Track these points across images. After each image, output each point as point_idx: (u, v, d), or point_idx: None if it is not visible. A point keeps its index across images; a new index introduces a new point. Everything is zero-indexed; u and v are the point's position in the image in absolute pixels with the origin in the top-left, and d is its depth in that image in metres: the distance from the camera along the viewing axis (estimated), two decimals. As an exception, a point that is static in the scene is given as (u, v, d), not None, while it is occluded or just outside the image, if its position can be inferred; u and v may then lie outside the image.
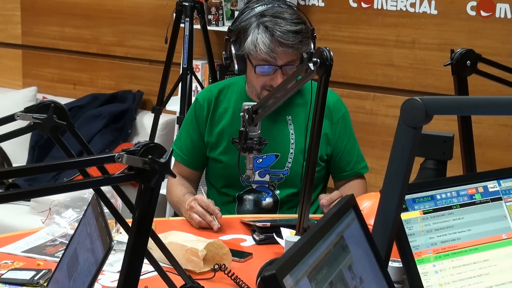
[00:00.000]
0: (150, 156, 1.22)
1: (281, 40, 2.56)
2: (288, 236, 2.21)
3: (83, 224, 1.63)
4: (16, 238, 2.40)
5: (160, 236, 1.74)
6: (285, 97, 2.32)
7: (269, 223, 2.41)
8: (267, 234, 2.40)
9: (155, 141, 3.78)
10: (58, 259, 1.71)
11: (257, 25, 2.59)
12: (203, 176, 2.93)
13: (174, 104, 4.17)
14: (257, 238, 2.42)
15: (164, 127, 4.40)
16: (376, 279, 1.43)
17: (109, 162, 1.26)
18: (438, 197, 1.75)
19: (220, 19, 4.20)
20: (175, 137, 4.22)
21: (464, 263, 1.72)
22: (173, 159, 2.87)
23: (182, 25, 4.02)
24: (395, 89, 4.04)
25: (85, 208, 1.66)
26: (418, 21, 3.93)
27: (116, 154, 1.24)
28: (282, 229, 2.31)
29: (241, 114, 2.35)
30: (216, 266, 2.08)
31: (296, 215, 2.29)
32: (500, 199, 1.82)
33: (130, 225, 1.30)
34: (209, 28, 4.11)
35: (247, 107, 2.33)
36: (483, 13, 3.77)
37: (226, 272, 2.07)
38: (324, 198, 2.56)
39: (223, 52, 2.69)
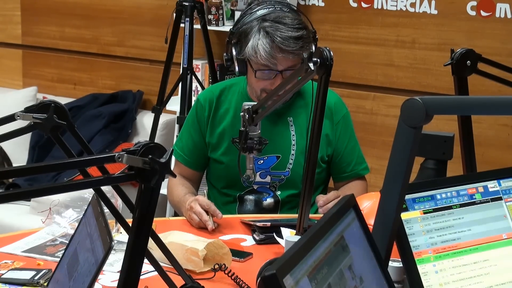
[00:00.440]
0: (150, 156, 1.22)
1: (282, 46, 2.56)
2: (288, 236, 2.21)
3: (83, 224, 1.63)
4: (16, 238, 2.40)
5: (160, 236, 1.74)
6: (285, 97, 2.32)
7: (269, 223, 2.41)
8: (267, 234, 2.40)
9: (155, 141, 3.79)
10: (58, 259, 1.71)
11: (258, 30, 2.58)
12: (204, 177, 2.93)
13: (174, 104, 4.17)
14: (257, 238, 2.42)
15: (164, 127, 4.40)
16: (376, 279, 1.43)
17: (109, 162, 1.26)
18: (438, 197, 1.75)
19: (220, 19, 4.20)
20: (175, 137, 4.23)
21: (464, 263, 1.72)
22: (173, 159, 2.89)
23: (182, 25, 4.02)
24: (395, 89, 4.04)
25: (85, 208, 1.66)
26: (418, 21, 3.93)
27: (116, 154, 1.24)
28: (282, 229, 2.31)
29: (241, 114, 2.35)
30: (216, 266, 2.08)
31: (296, 215, 2.29)
32: (500, 199, 1.82)
33: (130, 225, 1.30)
34: (209, 28, 4.11)
35: (247, 107, 2.33)
36: (483, 13, 3.77)
37: (226, 272, 2.07)
38: (321, 200, 2.55)
39: (224, 54, 2.69)
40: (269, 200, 2.77)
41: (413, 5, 3.93)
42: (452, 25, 3.85)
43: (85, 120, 4.57)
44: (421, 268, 1.67)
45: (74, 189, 1.24)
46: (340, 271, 1.27)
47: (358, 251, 1.39)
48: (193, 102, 3.00)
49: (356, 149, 2.81)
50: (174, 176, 1.25)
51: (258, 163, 2.71)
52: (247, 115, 2.33)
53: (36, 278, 2.06)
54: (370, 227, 1.47)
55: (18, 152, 4.60)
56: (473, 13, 3.79)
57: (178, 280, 1.69)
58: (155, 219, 1.31)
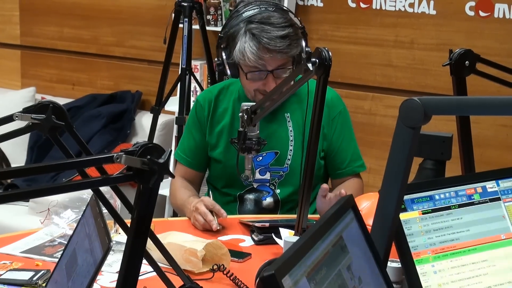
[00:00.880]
0: (149, 157, 1.22)
1: (269, 46, 2.56)
2: (287, 236, 2.21)
3: (81, 224, 1.63)
4: (14, 238, 2.40)
5: (159, 236, 1.74)
6: (283, 97, 2.32)
7: (268, 224, 2.42)
8: (266, 235, 2.40)
9: (154, 141, 3.78)
10: (57, 260, 1.71)
11: (244, 32, 2.59)
12: (205, 180, 2.93)
13: (173, 104, 4.17)
14: (256, 238, 2.42)
15: (163, 127, 4.40)
16: (375, 279, 1.43)
17: (108, 162, 1.26)
18: (437, 197, 1.75)
19: (219, 19, 4.20)
20: (174, 137, 4.24)
21: (463, 263, 1.72)
22: (173, 161, 2.89)
23: (181, 25, 4.02)
24: (393, 89, 4.04)
25: (84, 208, 1.66)
26: (417, 21, 3.93)
27: (115, 154, 1.24)
28: (281, 229, 2.31)
29: (240, 114, 2.35)
30: (215, 267, 2.08)
31: (295, 216, 2.29)
32: (498, 199, 1.82)
33: (129, 225, 1.30)
34: (208, 28, 4.11)
35: (245, 107, 2.34)
36: (481, 13, 3.77)
37: (225, 272, 2.07)
38: (327, 192, 2.51)
39: (215, 59, 2.70)
40: (268, 200, 2.77)
41: (411, 5, 3.93)
42: (451, 26, 3.85)
43: (84, 120, 4.57)
44: (419, 269, 1.67)
45: (72, 190, 1.24)
46: (338, 271, 1.27)
47: (357, 252, 1.39)
48: (191, 103, 3.02)
49: (352, 145, 2.81)
50: (173, 176, 1.25)
51: (257, 160, 2.72)
52: (245, 116, 2.33)
53: (34, 278, 2.06)
54: (369, 228, 1.47)
55: (17, 152, 4.60)
56: (471, 13, 3.79)
57: (177, 281, 1.69)
58: (153, 219, 1.31)
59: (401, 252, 1.67)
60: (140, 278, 1.31)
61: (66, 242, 1.74)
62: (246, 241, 2.43)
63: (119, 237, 2.32)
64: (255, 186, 2.78)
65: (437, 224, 1.72)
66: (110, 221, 2.11)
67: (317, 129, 2.20)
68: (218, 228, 2.47)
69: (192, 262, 2.12)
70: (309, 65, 2.14)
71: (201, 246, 2.12)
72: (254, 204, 2.78)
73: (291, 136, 2.75)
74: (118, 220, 1.65)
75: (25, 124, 1.61)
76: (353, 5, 4.08)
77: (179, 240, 2.21)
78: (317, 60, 2.14)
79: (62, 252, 1.71)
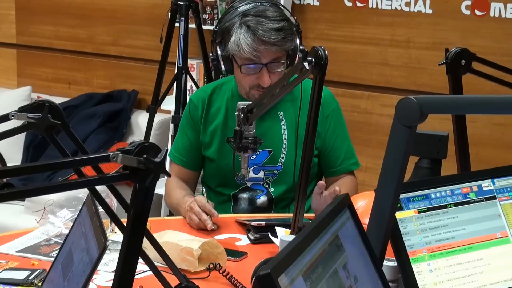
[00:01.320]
0: (145, 156, 1.22)
1: (263, 38, 2.56)
2: (283, 235, 2.21)
3: (78, 223, 1.63)
4: (10, 237, 2.39)
5: (155, 235, 1.74)
6: (279, 96, 2.32)
7: (264, 222, 2.41)
8: (262, 233, 2.40)
9: (150, 140, 3.78)
10: (53, 259, 1.71)
11: (239, 25, 2.59)
12: (199, 180, 2.93)
13: (169, 103, 4.17)
14: (252, 237, 2.42)
15: (159, 126, 4.40)
16: (371, 278, 1.43)
17: (104, 161, 1.26)
18: (433, 196, 1.75)
19: (215, 18, 4.20)
20: (170, 136, 4.24)
21: (458, 262, 1.73)
22: (169, 162, 2.89)
23: (177, 24, 4.02)
24: (390, 88, 4.04)
25: (80, 207, 1.66)
26: (413, 20, 3.93)
27: (111, 153, 1.24)
28: (277, 228, 2.31)
29: (236, 113, 2.35)
30: (211, 266, 2.08)
31: (291, 214, 2.29)
32: (494, 198, 1.82)
33: (125, 224, 1.30)
34: (204, 27, 4.11)
35: (242, 106, 2.34)
36: (477, 12, 3.77)
37: (221, 271, 2.07)
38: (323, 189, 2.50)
39: (210, 54, 2.70)
40: (263, 199, 2.77)
41: (408, 4, 3.93)
42: (447, 25, 3.85)
43: (80, 119, 4.57)
44: (415, 267, 1.68)
45: (68, 189, 1.24)
46: (334, 270, 1.28)
47: (353, 250, 1.39)
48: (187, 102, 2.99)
49: (345, 143, 2.81)
50: (169, 175, 1.25)
51: (251, 158, 2.72)
52: (242, 115, 2.33)
53: (30, 278, 2.06)
54: (365, 226, 1.47)
55: (13, 152, 4.59)
56: (467, 12, 3.79)
57: (173, 280, 1.69)
58: (150, 218, 1.31)
59: (397, 251, 1.68)
60: (136, 277, 1.31)
61: (62, 241, 1.74)
62: (242, 240, 2.43)
63: (115, 236, 2.32)
64: (249, 185, 2.78)
65: (433, 223, 1.73)
66: (106, 220, 2.11)
67: (313, 128, 2.20)
68: (213, 227, 2.47)
69: (188, 261, 2.12)
70: (305, 64, 2.14)
71: (197, 245, 2.12)
72: (249, 203, 2.78)
73: (285, 134, 2.75)
74: (114, 219, 1.65)
75: (21, 123, 1.61)
76: (349, 4, 4.08)
77: (175, 239, 2.21)
78: (313, 59, 2.14)
79: (58, 251, 1.71)
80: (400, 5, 3.95)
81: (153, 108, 4.10)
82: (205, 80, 4.16)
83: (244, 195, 2.79)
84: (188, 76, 4.03)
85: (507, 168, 1.89)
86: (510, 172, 1.88)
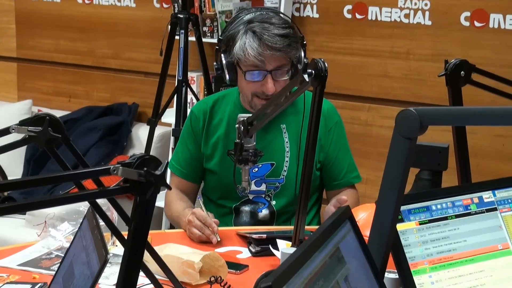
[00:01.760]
0: (145, 169, 1.22)
1: (269, 43, 2.57)
2: (284, 247, 2.21)
3: (78, 237, 1.63)
4: (11, 251, 2.39)
5: (156, 248, 1.74)
6: (280, 108, 2.32)
7: (265, 235, 2.41)
8: (263, 246, 2.39)
9: (151, 153, 3.78)
10: (54, 272, 1.71)
11: (245, 31, 2.60)
12: (200, 192, 2.93)
13: (169, 116, 4.17)
14: (253, 250, 2.42)
15: (159, 139, 4.40)
16: (372, 290, 1.43)
17: (105, 174, 1.26)
18: (434, 207, 1.75)
19: (215, 31, 4.21)
20: (170, 149, 4.23)
21: (460, 274, 1.72)
22: (169, 173, 2.89)
23: (177, 37, 4.02)
24: (390, 100, 4.04)
25: (81, 221, 1.66)
26: (413, 32, 3.94)
27: (112, 166, 1.24)
28: (278, 240, 2.31)
29: (237, 126, 2.35)
30: (212, 279, 2.08)
31: (291, 227, 2.29)
32: (495, 209, 1.82)
33: (126, 237, 1.29)
34: (204, 40, 4.11)
35: (242, 118, 2.34)
36: (476, 24, 3.78)
37: (222, 284, 2.07)
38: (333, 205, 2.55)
39: (214, 63, 2.70)
40: (264, 212, 2.77)
41: (407, 16, 3.94)
42: (446, 36, 3.86)
43: (81, 133, 4.57)
44: (417, 279, 1.67)
45: (69, 202, 1.24)
46: (336, 282, 1.27)
47: (354, 263, 1.39)
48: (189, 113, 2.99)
49: (348, 156, 2.82)
50: (170, 188, 1.25)
51: (253, 171, 2.72)
52: (242, 127, 2.33)
53: (31, 291, 2.06)
54: (366, 239, 1.47)
55: (13, 165, 4.59)
56: (467, 23, 3.80)
57: (174, 293, 1.68)
58: (150, 231, 1.31)
59: (399, 263, 1.67)
60: (137, 290, 1.31)
61: (63, 255, 1.74)
62: (243, 253, 2.43)
63: (116, 249, 2.32)
64: (250, 198, 2.78)
65: (434, 235, 1.73)
66: (107, 234, 2.12)
67: (314, 140, 2.20)
68: (219, 240, 2.47)
69: (190, 274, 2.12)
70: (305, 76, 2.14)
71: (198, 258, 2.12)
72: (250, 216, 2.78)
73: (287, 147, 2.75)
74: (115, 232, 1.65)
75: (22, 136, 1.62)
76: (349, 16, 4.09)
77: (176, 252, 2.20)
78: (313, 71, 2.14)
79: (59, 264, 1.71)
80: (399, 17, 3.96)
81: (154, 121, 4.10)
82: (205, 92, 4.16)
83: (246, 208, 2.78)
84: (188, 89, 4.03)
85: (508, 179, 1.89)
86: (511, 183, 1.88)
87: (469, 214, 1.78)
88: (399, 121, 1.43)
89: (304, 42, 2.67)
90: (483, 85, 2.35)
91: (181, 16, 3.97)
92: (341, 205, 2.50)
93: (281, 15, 2.70)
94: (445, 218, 1.75)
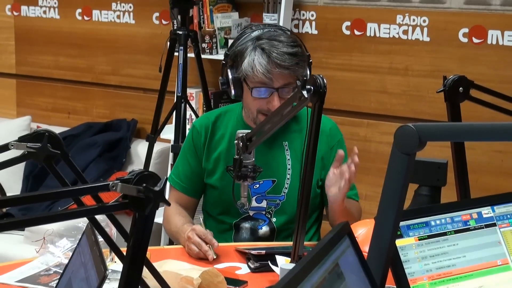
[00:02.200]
0: (144, 185, 1.22)
1: (278, 61, 2.58)
2: (283, 263, 2.20)
3: (77, 253, 1.63)
4: (10, 267, 2.39)
5: (155, 264, 1.74)
6: (279, 124, 2.32)
7: (264, 251, 2.41)
8: (262, 262, 2.39)
9: (150, 169, 3.78)
10: (53, 289, 1.70)
11: (253, 47, 2.61)
12: (200, 207, 2.92)
13: (168, 132, 4.17)
14: (252, 266, 2.41)
15: (158, 155, 4.40)
16: (372, 306, 1.42)
17: (104, 190, 1.26)
18: (433, 223, 1.75)
19: (214, 47, 4.22)
20: (169, 165, 4.23)
21: (459, 290, 1.72)
22: (168, 187, 2.88)
23: (176, 53, 4.03)
24: (388, 116, 4.05)
25: (80, 237, 1.66)
26: (411, 48, 3.95)
27: (111, 182, 1.24)
28: (277, 256, 2.30)
29: (235, 142, 2.35)
30: (211, 295, 2.07)
31: (291, 243, 2.28)
32: (494, 225, 1.82)
33: (124, 253, 1.29)
34: (203, 56, 4.12)
35: (241, 135, 2.34)
36: (475, 40, 3.79)
37: (221, 300, 2.06)
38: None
39: (220, 77, 2.70)
40: (265, 229, 2.77)
41: (405, 32, 3.95)
42: (445, 52, 3.87)
43: (80, 149, 4.57)
44: (416, 295, 1.67)
45: (68, 218, 1.24)
46: (335, 298, 1.27)
47: (353, 279, 1.38)
48: (187, 131, 3.01)
49: None
50: (169, 204, 1.25)
51: (254, 187, 2.72)
52: (241, 143, 2.33)
53: (30, 308, 2.05)
54: (365, 254, 1.47)
55: (12, 181, 4.59)
56: (465, 40, 3.81)
57: (173, 309, 1.68)
58: (149, 247, 1.30)
59: (398, 279, 1.67)
60: (136, 306, 1.31)
61: (61, 271, 1.73)
62: (243, 269, 2.43)
63: (115, 265, 2.32)
64: (251, 214, 2.77)
65: (433, 250, 1.72)
66: (106, 250, 2.11)
67: (313, 156, 2.20)
68: (215, 257, 2.46)
69: (188, 290, 2.11)
70: (304, 93, 2.15)
71: (197, 274, 2.11)
72: (250, 233, 2.77)
73: (289, 164, 2.75)
74: (114, 248, 1.65)
75: (21, 153, 1.62)
76: (347, 32, 4.10)
77: (175, 268, 2.20)
78: (312, 88, 2.15)
79: (57, 281, 1.70)
80: (398, 33, 3.97)
81: (153, 137, 4.10)
82: (205, 109, 4.17)
83: (246, 225, 2.78)
84: (187, 105, 4.04)
85: (506, 195, 1.89)
86: (510, 199, 1.88)
87: (468, 229, 1.78)
88: (398, 137, 1.43)
89: (310, 61, 2.68)
90: (481, 101, 2.36)
91: (180, 32, 3.98)
92: (338, 163, 2.52)
93: (289, 32, 2.71)
94: (444, 234, 1.75)
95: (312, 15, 4.18)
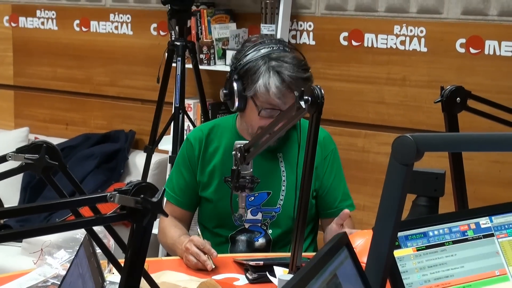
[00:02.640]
0: (142, 196, 1.22)
1: (293, 86, 2.59)
2: (281, 274, 2.20)
3: (75, 264, 1.63)
4: (8, 279, 2.38)
5: (153, 276, 1.73)
6: (277, 135, 2.32)
7: (262, 262, 2.40)
8: (260, 273, 2.39)
9: (148, 180, 3.78)
10: (50, 300, 1.70)
11: (267, 68, 2.60)
12: (195, 218, 2.92)
13: (166, 143, 4.17)
14: (250, 277, 2.41)
15: (156, 166, 4.39)
16: (370, 317, 1.42)
17: (101, 202, 1.26)
18: (431, 234, 1.75)
19: (212, 58, 4.22)
20: (167, 176, 4.22)
21: (457, 300, 1.72)
22: (165, 199, 2.88)
23: (174, 64, 4.04)
24: (386, 126, 4.05)
25: (77, 248, 1.66)
26: (409, 59, 3.96)
27: (109, 193, 1.24)
28: (275, 267, 2.30)
29: (233, 152, 2.35)
30: (209, 306, 2.07)
31: (289, 254, 2.28)
32: (492, 235, 1.82)
33: (122, 265, 1.29)
34: (201, 67, 4.13)
35: (239, 145, 2.34)
36: (472, 50, 3.80)
37: (219, 311, 2.06)
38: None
39: (223, 89, 2.69)
40: (261, 241, 2.76)
41: (403, 43, 3.96)
42: (442, 63, 3.87)
43: (77, 160, 4.57)
44: (414, 306, 1.67)
45: (66, 230, 1.23)
46: (333, 309, 1.27)
47: (351, 289, 1.38)
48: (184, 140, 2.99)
49: (342, 185, 2.81)
50: (166, 215, 1.25)
51: (249, 200, 2.71)
52: (239, 154, 2.33)
53: (27, 320, 2.04)
54: (363, 265, 1.47)
55: (10, 193, 4.58)
56: (462, 50, 3.82)
57: (171, 321, 1.68)
58: (147, 259, 1.30)
59: (396, 290, 1.67)
60: (134, 318, 1.31)
61: (59, 283, 1.73)
62: (241, 280, 2.42)
63: (113, 277, 2.31)
64: (246, 227, 2.77)
65: (432, 261, 1.72)
66: (103, 261, 2.10)
67: (311, 167, 2.20)
68: (213, 267, 2.46)
69: (186, 301, 2.11)
70: (302, 103, 2.15)
71: (195, 285, 2.11)
72: (247, 245, 2.76)
73: (284, 176, 2.75)
74: (112, 259, 1.64)
75: (18, 164, 1.61)
76: (345, 43, 4.11)
77: (173, 279, 2.20)
78: (310, 98, 2.15)
79: (55, 292, 1.70)
80: (395, 44, 3.98)
81: (151, 148, 4.10)
82: (202, 119, 4.17)
83: (242, 237, 2.77)
84: (185, 116, 4.04)
85: (504, 205, 1.89)
86: (508, 209, 1.88)
87: (466, 240, 1.78)
88: (395, 147, 1.43)
89: (312, 79, 2.70)
90: (479, 111, 2.36)
91: (178, 43, 3.99)
92: (342, 221, 2.52)
93: (295, 50, 2.70)
94: (442, 244, 1.75)
95: (310, 26, 4.19)
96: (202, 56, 4.20)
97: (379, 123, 4.07)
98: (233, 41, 4.20)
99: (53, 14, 5.04)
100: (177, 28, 4.04)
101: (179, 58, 3.98)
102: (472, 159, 3.73)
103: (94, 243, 1.59)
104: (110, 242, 2.22)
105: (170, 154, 4.05)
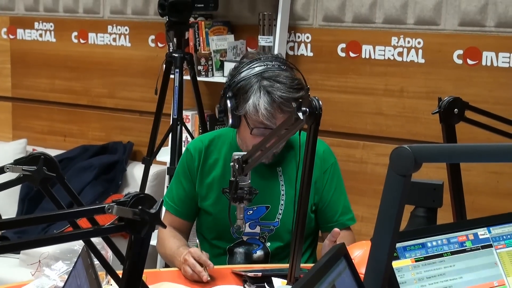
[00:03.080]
0: (140, 207, 1.22)
1: (283, 106, 2.56)
2: (280, 286, 2.20)
3: (73, 276, 1.62)
4: (5, 291, 2.38)
5: (151, 287, 1.73)
6: (275, 146, 2.32)
7: (261, 273, 2.40)
8: (259, 284, 2.38)
9: (146, 192, 3.78)
10: (48, 312, 1.69)
11: (258, 88, 2.57)
12: (194, 229, 2.92)
13: (164, 155, 4.17)
14: (248, 288, 2.41)
15: (154, 178, 4.39)
16: (369, 328, 1.42)
17: (99, 213, 1.26)
18: (429, 244, 1.75)
19: (210, 69, 4.23)
20: (165, 187, 4.23)
21: (456, 311, 1.71)
22: (163, 210, 2.88)
23: (172, 76, 4.04)
24: (384, 138, 4.06)
25: (75, 260, 1.65)
26: (406, 70, 3.96)
27: (107, 205, 1.24)
28: (273, 278, 2.29)
29: (231, 164, 2.35)
30: (208, 317, 2.06)
31: (287, 265, 2.28)
32: (490, 246, 1.82)
33: (120, 276, 1.29)
34: (199, 79, 4.13)
35: (237, 157, 2.34)
36: (469, 62, 3.81)
37: (217, 323, 2.05)
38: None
39: (218, 105, 2.68)
40: (259, 253, 2.75)
41: (400, 54, 3.97)
42: (440, 74, 3.88)
43: (76, 171, 4.57)
44: (413, 317, 1.66)
45: (64, 241, 1.23)
46: (332, 320, 1.27)
47: (350, 300, 1.38)
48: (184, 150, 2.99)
49: (342, 198, 2.80)
50: (165, 227, 1.25)
51: (248, 213, 2.71)
52: (237, 165, 2.33)
53: (25, 332, 2.04)
54: (362, 276, 1.46)
55: (8, 204, 4.58)
56: (459, 61, 3.83)
57: (169, 332, 1.67)
58: (145, 270, 1.30)
59: (395, 301, 1.66)
60: (132, 329, 1.30)
61: (57, 294, 1.73)
62: (239, 291, 2.42)
63: (111, 288, 2.31)
64: (244, 239, 2.76)
65: (430, 272, 1.72)
66: (101, 273, 2.10)
67: (309, 178, 2.20)
68: (209, 279, 2.45)
69: (185, 313, 2.10)
70: (300, 114, 2.15)
71: (193, 297, 2.11)
72: (245, 258, 2.76)
73: (283, 190, 2.74)
74: (110, 271, 1.64)
75: (16, 175, 1.61)
76: (343, 54, 4.11)
77: (171, 291, 2.19)
78: (308, 109, 2.15)
79: (53, 304, 1.70)
80: (393, 55, 3.99)
81: (149, 159, 4.10)
82: (200, 131, 4.17)
83: (240, 250, 2.76)
84: (183, 128, 4.04)
85: (502, 216, 1.89)
86: (506, 220, 1.88)
87: (464, 251, 1.78)
88: (393, 158, 1.43)
89: (308, 87, 2.67)
90: (476, 122, 2.36)
91: (176, 55, 3.99)
92: (334, 238, 2.49)
93: (290, 67, 2.66)
94: (441, 255, 1.75)
95: (307, 37, 4.20)
96: (200, 67, 4.21)
97: (377, 134, 4.07)
98: (231, 53, 4.20)
99: (51, 26, 5.05)
100: (175, 39, 4.04)
101: (177, 70, 3.98)
102: (470, 170, 3.74)
103: (92, 255, 1.59)
104: (108, 254, 2.22)
105: (168, 165, 4.05)
